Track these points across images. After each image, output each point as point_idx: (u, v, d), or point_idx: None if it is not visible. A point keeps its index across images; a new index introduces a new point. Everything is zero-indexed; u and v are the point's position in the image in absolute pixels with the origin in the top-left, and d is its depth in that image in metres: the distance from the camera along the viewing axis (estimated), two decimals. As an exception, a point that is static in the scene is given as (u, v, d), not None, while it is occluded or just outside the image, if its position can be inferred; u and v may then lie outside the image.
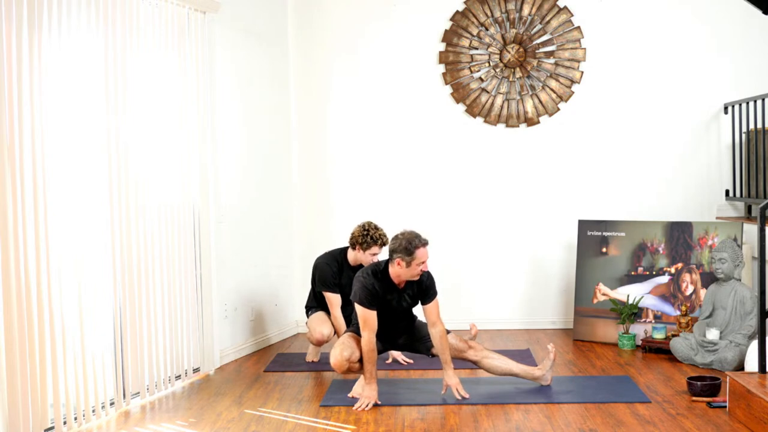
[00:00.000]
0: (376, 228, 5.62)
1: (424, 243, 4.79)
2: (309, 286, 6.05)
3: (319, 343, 5.75)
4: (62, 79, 4.44)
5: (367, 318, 4.82)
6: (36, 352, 4.22)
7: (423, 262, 4.80)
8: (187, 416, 4.76)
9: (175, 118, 5.39)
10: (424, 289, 4.94)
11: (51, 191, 4.34)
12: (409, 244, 4.73)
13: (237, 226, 6.14)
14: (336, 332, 5.71)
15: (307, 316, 5.88)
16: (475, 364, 5.12)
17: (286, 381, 5.45)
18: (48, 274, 4.30)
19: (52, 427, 4.37)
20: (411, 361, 5.78)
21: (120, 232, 4.86)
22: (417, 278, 4.86)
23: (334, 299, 5.71)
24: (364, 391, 4.83)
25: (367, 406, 4.76)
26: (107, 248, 4.78)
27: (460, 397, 4.86)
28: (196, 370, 5.63)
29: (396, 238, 4.81)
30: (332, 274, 5.72)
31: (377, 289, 4.84)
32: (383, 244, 5.61)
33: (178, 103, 5.43)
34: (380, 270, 4.89)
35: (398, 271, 4.82)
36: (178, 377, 5.42)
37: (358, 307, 4.85)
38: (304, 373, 5.64)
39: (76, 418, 4.52)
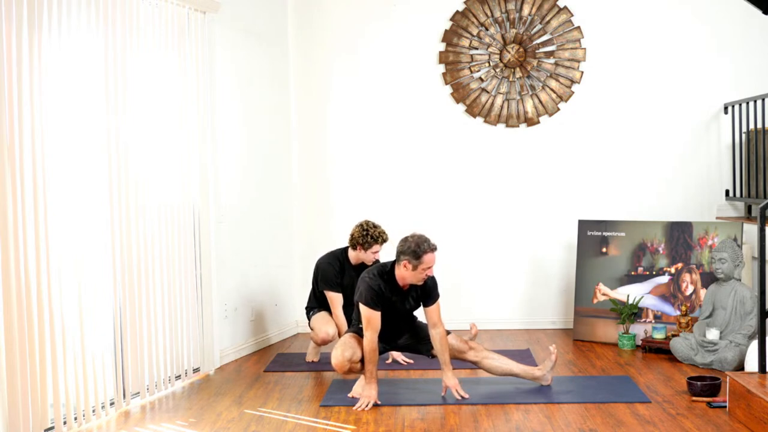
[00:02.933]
0: (375, 226, 5.64)
1: (433, 248, 4.78)
2: (309, 286, 6.05)
3: (324, 343, 5.76)
4: (62, 79, 4.44)
5: (371, 318, 4.82)
6: (36, 352, 4.22)
7: (429, 268, 4.79)
8: (187, 416, 4.76)
9: (175, 118, 5.39)
10: (427, 291, 4.95)
11: (51, 191, 4.34)
12: (418, 248, 4.73)
13: (237, 226, 6.14)
14: (338, 332, 5.71)
15: (308, 317, 5.89)
16: (475, 365, 5.12)
17: (286, 381, 5.45)
18: (48, 274, 4.30)
19: (52, 427, 4.37)
20: (411, 361, 5.78)
21: (120, 232, 4.86)
22: (421, 283, 4.86)
23: (336, 299, 5.72)
24: (364, 390, 4.84)
25: (367, 405, 4.76)
26: (107, 248, 4.78)
27: (459, 398, 4.86)
28: (196, 370, 5.63)
29: (405, 240, 4.81)
30: (335, 273, 5.73)
31: (383, 290, 4.85)
32: (384, 241, 5.64)
33: (178, 103, 5.43)
34: (386, 271, 4.89)
35: (404, 274, 4.82)
36: (178, 377, 5.42)
37: (362, 308, 4.85)
38: (304, 373, 5.64)
39: (76, 418, 4.52)
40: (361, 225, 5.64)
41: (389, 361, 5.77)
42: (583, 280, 6.52)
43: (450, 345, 4.98)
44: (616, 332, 6.27)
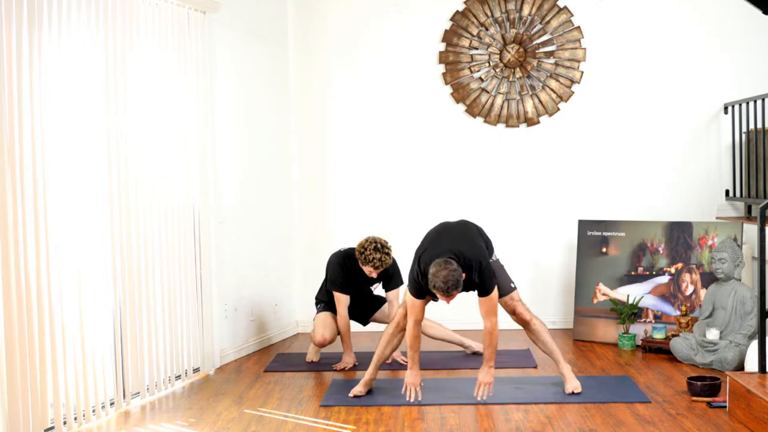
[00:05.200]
0: (376, 249, 5.49)
1: (441, 291, 4.54)
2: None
3: (320, 345, 5.76)
4: (62, 79, 4.44)
5: (414, 305, 4.79)
6: (36, 352, 4.22)
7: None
8: (187, 416, 4.76)
9: (175, 118, 5.39)
10: (479, 284, 4.76)
11: (51, 191, 4.34)
12: (429, 282, 4.58)
13: (237, 226, 6.14)
14: (340, 334, 5.72)
15: (316, 309, 5.87)
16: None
17: (286, 381, 5.45)
18: (48, 274, 4.30)
19: (52, 427, 4.37)
20: None
21: (120, 231, 4.87)
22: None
23: (342, 299, 5.70)
24: (408, 378, 4.88)
25: (413, 392, 4.82)
26: (107, 248, 4.78)
27: (478, 397, 4.83)
28: (196, 370, 5.63)
29: (433, 266, 4.55)
30: (342, 273, 5.69)
31: (424, 289, 4.76)
32: (376, 267, 5.52)
33: (178, 103, 5.43)
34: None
35: None
36: (178, 377, 5.42)
37: (407, 294, 4.85)
38: (304, 373, 5.64)
39: (76, 418, 4.52)
40: (366, 241, 5.54)
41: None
42: (583, 280, 6.51)
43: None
44: (616, 332, 6.27)
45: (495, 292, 4.78)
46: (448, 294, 4.54)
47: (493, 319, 4.78)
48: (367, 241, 5.56)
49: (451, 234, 4.85)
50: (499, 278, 4.94)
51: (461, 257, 4.63)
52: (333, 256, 5.82)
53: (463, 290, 4.70)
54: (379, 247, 5.51)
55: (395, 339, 5.08)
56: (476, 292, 4.77)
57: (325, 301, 5.87)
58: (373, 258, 5.50)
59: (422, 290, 4.74)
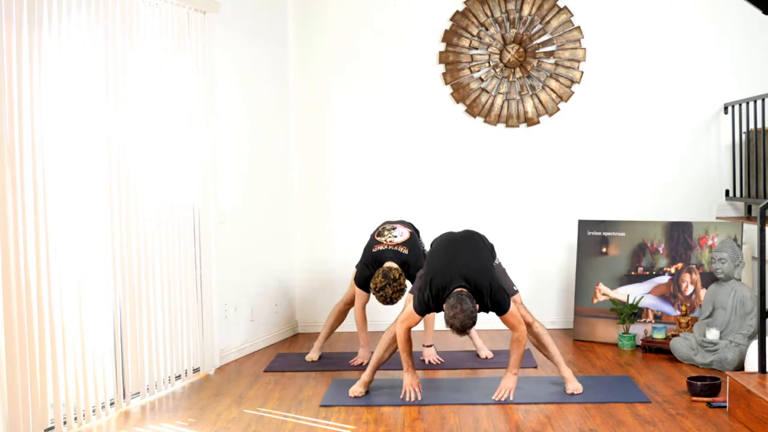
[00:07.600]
0: (383, 288, 5.39)
1: (455, 331, 4.59)
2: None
3: (351, 296, 5.83)
4: (62, 79, 4.44)
5: (411, 317, 4.83)
6: (36, 352, 4.22)
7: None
8: (187, 416, 4.76)
9: (175, 118, 5.39)
10: (493, 308, 4.78)
11: (51, 191, 4.34)
12: (447, 318, 4.58)
13: (237, 226, 6.13)
14: (358, 328, 5.75)
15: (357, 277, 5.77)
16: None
17: (286, 381, 5.45)
18: (48, 273, 4.30)
19: (52, 427, 4.37)
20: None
21: (120, 231, 4.86)
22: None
23: (361, 296, 5.70)
24: (405, 380, 4.92)
25: (410, 394, 4.87)
26: (107, 248, 4.78)
27: (496, 398, 4.85)
28: (196, 370, 5.63)
29: (452, 308, 4.55)
30: (366, 277, 5.65)
31: (431, 307, 4.79)
32: (381, 301, 5.48)
33: (178, 103, 5.43)
34: (442, 298, 4.68)
35: None
36: (178, 377, 5.42)
37: (409, 305, 4.87)
38: (304, 373, 5.64)
39: (76, 418, 4.52)
40: (379, 280, 5.40)
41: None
42: (583, 280, 6.52)
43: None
44: (616, 332, 6.27)
45: (513, 306, 4.80)
46: (465, 334, 4.61)
47: (521, 328, 4.82)
48: (379, 276, 5.41)
49: (459, 252, 4.81)
50: (501, 281, 4.95)
51: (471, 282, 4.65)
52: (363, 258, 5.69)
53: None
54: (387, 300, 5.42)
55: (395, 344, 5.06)
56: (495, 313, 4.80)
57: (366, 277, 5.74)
58: (377, 293, 5.43)
59: (428, 310, 4.79)
